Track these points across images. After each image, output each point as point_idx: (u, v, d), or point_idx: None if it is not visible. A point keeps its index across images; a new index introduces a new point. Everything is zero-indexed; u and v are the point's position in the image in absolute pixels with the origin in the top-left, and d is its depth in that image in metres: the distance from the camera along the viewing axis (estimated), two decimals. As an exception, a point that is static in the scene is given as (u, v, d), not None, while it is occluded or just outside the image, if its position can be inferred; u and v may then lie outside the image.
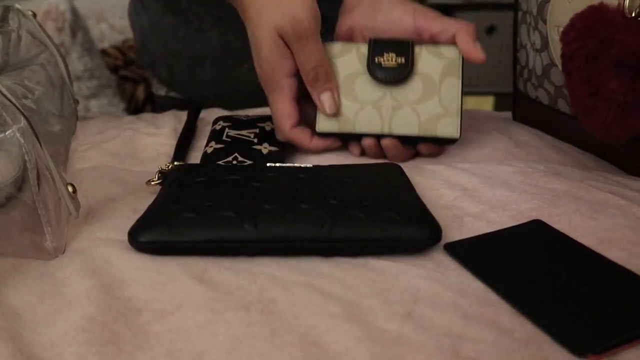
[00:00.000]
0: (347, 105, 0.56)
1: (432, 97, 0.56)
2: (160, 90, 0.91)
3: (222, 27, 0.79)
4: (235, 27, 0.76)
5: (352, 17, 0.60)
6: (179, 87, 0.87)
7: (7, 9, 0.53)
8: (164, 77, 0.87)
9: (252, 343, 0.31)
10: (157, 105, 0.91)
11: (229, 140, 0.58)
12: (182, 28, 0.79)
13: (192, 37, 0.80)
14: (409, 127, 0.56)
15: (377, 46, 0.57)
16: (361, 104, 0.56)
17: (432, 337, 0.32)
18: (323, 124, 0.57)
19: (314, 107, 0.57)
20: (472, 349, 0.31)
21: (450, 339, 0.31)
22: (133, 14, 0.88)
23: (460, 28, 0.56)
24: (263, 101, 0.58)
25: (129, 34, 1.81)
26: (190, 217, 0.39)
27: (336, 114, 0.56)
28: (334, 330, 0.32)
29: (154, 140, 0.63)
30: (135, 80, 1.64)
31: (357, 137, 0.57)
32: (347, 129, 0.56)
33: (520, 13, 0.67)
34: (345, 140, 0.59)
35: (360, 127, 0.56)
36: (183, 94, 0.88)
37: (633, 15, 0.47)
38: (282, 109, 0.55)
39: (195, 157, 0.59)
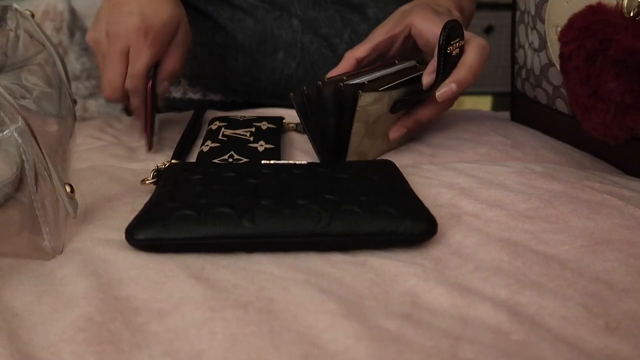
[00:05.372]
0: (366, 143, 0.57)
1: None
2: (177, 93, 0.89)
3: (258, 14, 0.77)
4: (271, 15, 0.75)
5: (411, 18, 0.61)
6: (207, 81, 0.85)
7: (5, 9, 0.53)
8: (189, 72, 0.85)
9: (251, 342, 0.31)
10: (171, 110, 0.88)
11: (225, 139, 0.58)
12: (213, 16, 0.78)
13: (224, 25, 0.78)
14: None
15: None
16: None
17: (431, 337, 0.32)
18: None
19: None
20: (471, 350, 0.31)
21: (449, 340, 0.31)
22: None
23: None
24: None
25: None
26: (187, 214, 0.39)
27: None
28: (332, 329, 0.32)
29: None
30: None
31: None
32: None
33: (518, 13, 0.67)
34: None
35: None
36: (209, 89, 0.86)
37: (631, 15, 0.47)
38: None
39: (192, 158, 0.59)
